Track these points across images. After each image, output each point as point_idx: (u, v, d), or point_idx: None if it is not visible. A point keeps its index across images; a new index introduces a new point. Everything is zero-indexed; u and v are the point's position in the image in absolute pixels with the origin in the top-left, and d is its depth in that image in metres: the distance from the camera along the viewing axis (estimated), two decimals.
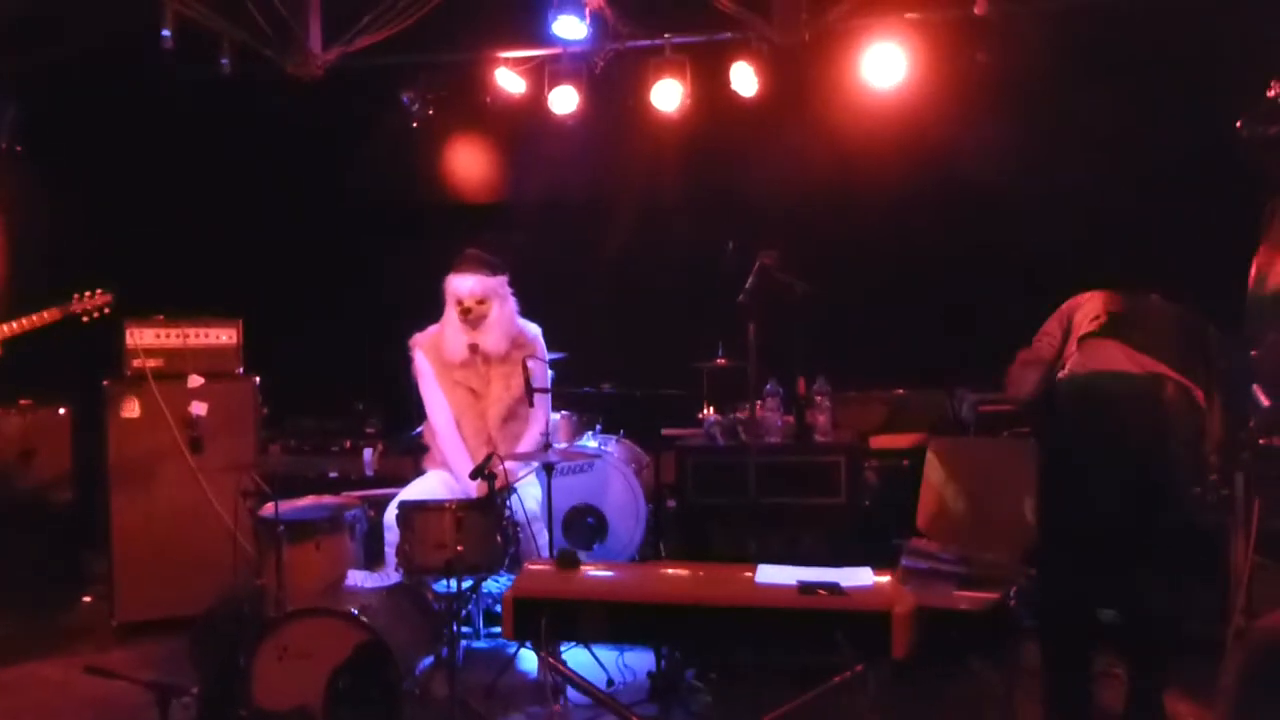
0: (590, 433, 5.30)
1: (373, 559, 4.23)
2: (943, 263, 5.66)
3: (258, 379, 5.15)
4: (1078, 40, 5.32)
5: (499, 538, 3.68)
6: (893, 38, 5.28)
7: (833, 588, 2.73)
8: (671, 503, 4.75)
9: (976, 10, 5.07)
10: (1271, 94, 3.20)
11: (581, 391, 4.81)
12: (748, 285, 3.97)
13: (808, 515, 4.21)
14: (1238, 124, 3.27)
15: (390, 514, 3.99)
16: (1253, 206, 3.99)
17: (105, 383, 4.90)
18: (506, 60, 5.95)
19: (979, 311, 5.40)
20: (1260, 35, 4.62)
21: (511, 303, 4.52)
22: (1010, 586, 3.59)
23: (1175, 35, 5.03)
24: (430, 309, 4.60)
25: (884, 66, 5.32)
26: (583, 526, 4.96)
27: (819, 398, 4.44)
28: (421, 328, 4.57)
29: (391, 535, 3.89)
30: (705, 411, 5.12)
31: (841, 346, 5.34)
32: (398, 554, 3.68)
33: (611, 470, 4.92)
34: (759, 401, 4.47)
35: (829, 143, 5.83)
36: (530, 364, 4.22)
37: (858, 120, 5.64)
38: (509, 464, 4.06)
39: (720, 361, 5.03)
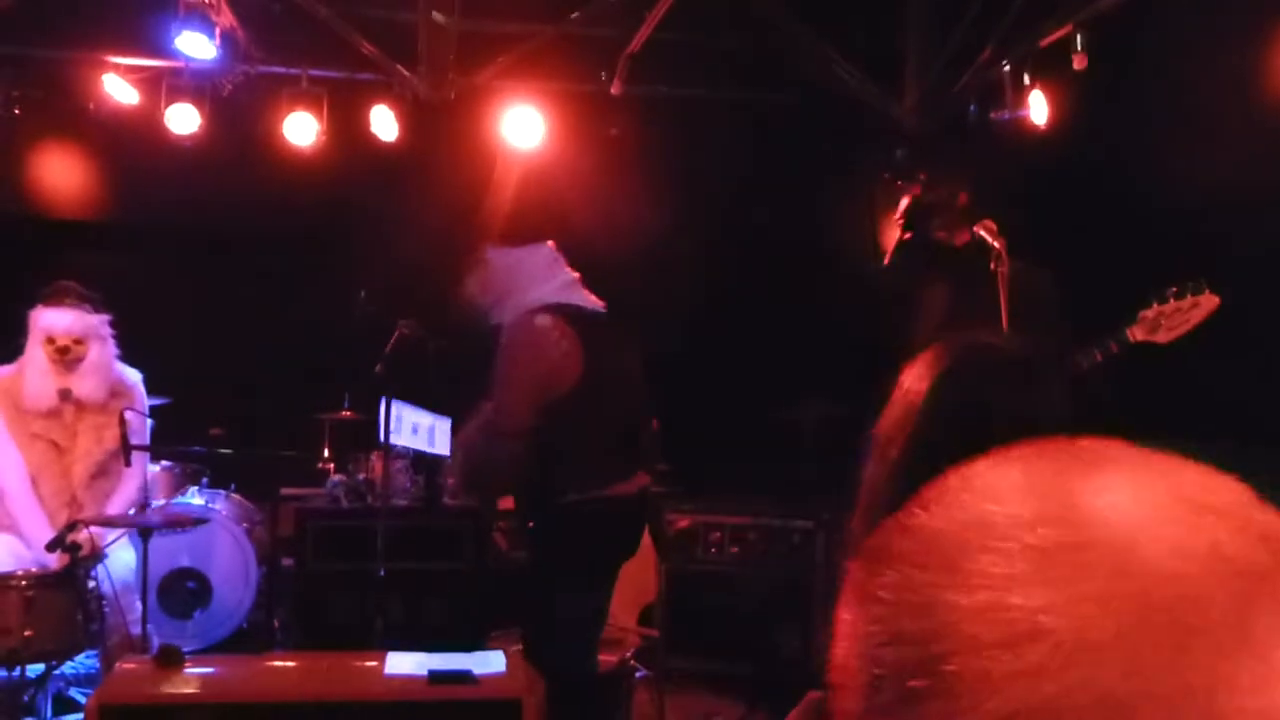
0: (195, 487, 4.83)
1: None
2: None
3: None
4: (701, 124, 5.82)
5: (79, 616, 3.23)
6: (533, 102, 5.44)
7: (464, 676, 2.69)
8: (288, 561, 4.46)
9: (612, 90, 5.37)
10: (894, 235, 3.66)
11: (189, 450, 4.37)
12: (385, 354, 3.83)
13: (435, 581, 4.13)
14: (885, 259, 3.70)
15: None
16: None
17: None
18: (117, 66, 5.35)
19: None
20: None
21: (112, 345, 4.01)
22: (630, 649, 3.76)
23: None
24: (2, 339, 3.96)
25: (524, 129, 5.46)
26: (182, 592, 4.50)
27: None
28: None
29: None
30: (327, 463, 4.89)
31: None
32: None
33: (218, 529, 4.52)
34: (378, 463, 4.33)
35: (465, 195, 5.84)
36: (129, 416, 3.77)
37: (497, 177, 5.72)
38: (97, 529, 3.58)
39: (346, 413, 4.83)
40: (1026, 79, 4.97)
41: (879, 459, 1.08)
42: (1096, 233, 4.50)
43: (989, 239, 3.17)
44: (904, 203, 3.64)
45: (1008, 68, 5.01)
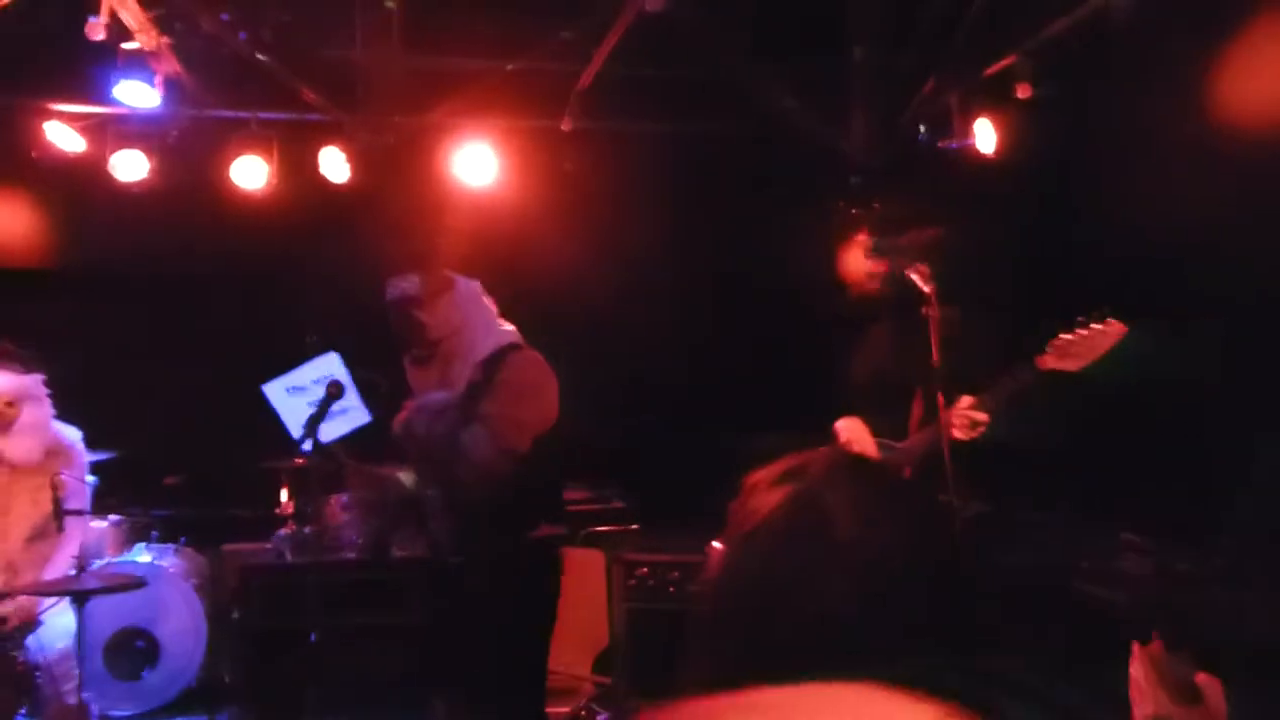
0: (144, 543, 4.75)
1: None
2: None
3: None
4: (653, 157, 5.80)
5: (6, 691, 3.15)
6: (486, 139, 5.40)
7: None
8: (237, 614, 4.38)
9: (563, 126, 5.34)
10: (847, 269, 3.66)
11: (129, 510, 4.29)
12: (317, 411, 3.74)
13: (383, 636, 4.06)
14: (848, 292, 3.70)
15: None
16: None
17: None
18: (60, 114, 5.29)
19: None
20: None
21: (47, 405, 3.92)
22: (584, 698, 3.70)
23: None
24: None
25: (476, 166, 5.42)
26: (131, 652, 4.42)
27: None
28: None
29: None
30: (284, 509, 4.80)
31: None
32: None
33: (167, 586, 4.44)
34: (335, 511, 4.27)
35: (417, 235, 5.79)
36: (61, 479, 3.69)
37: (451, 216, 5.68)
38: (29, 598, 3.50)
39: (299, 461, 4.76)
40: (972, 108, 4.97)
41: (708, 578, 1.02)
42: (1045, 262, 4.49)
43: (920, 283, 3.16)
44: (869, 237, 3.61)
45: (954, 97, 5.01)
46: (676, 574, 4.76)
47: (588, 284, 5.81)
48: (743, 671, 0.88)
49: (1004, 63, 4.75)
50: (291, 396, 4.21)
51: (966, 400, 3.20)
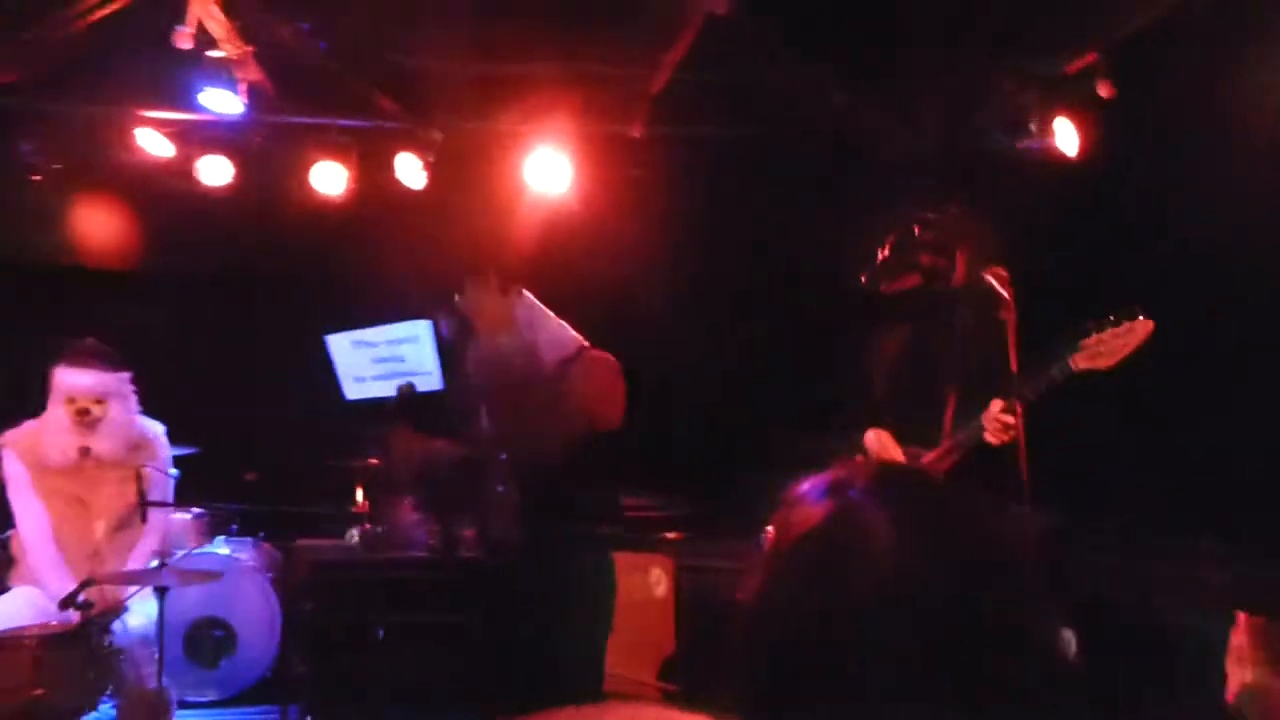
0: (223, 536, 4.89)
1: None
2: None
3: None
4: (723, 162, 5.79)
5: (91, 673, 3.27)
6: (558, 145, 5.45)
7: None
8: (308, 608, 4.48)
9: (634, 132, 5.36)
10: (882, 255, 3.60)
11: (209, 504, 4.43)
12: (387, 413, 3.82)
13: (446, 634, 4.11)
14: (862, 278, 3.64)
15: None
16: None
17: None
18: (151, 120, 5.49)
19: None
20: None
21: (132, 401, 4.06)
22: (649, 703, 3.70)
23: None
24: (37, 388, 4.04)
25: (548, 172, 5.47)
26: (209, 641, 4.54)
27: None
28: (20, 412, 4.00)
29: None
30: (360, 504, 4.91)
31: None
32: None
33: (244, 579, 4.56)
34: (404, 511, 4.35)
35: (493, 241, 5.87)
36: (146, 472, 3.82)
37: (523, 221, 5.74)
38: (114, 585, 3.63)
39: (373, 461, 4.86)
40: (1051, 107, 4.85)
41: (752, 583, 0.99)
42: (1125, 268, 4.36)
43: (998, 287, 3.09)
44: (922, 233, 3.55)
45: (1032, 96, 4.89)
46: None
47: (658, 290, 5.82)
48: (769, 692, 0.87)
49: (1084, 60, 4.63)
50: (356, 350, 4.27)
51: (997, 404, 3.13)
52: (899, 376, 3.48)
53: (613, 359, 3.25)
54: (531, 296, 3.39)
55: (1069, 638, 3.68)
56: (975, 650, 0.88)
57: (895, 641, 0.87)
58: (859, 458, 3.36)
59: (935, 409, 3.37)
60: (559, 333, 3.38)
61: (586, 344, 3.33)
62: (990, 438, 3.13)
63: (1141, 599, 3.61)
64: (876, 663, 0.87)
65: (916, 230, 3.48)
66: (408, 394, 3.49)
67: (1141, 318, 2.97)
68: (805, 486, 1.02)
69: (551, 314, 3.39)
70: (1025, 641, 0.92)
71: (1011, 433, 3.06)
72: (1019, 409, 3.04)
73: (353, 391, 5.15)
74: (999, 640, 0.90)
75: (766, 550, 0.99)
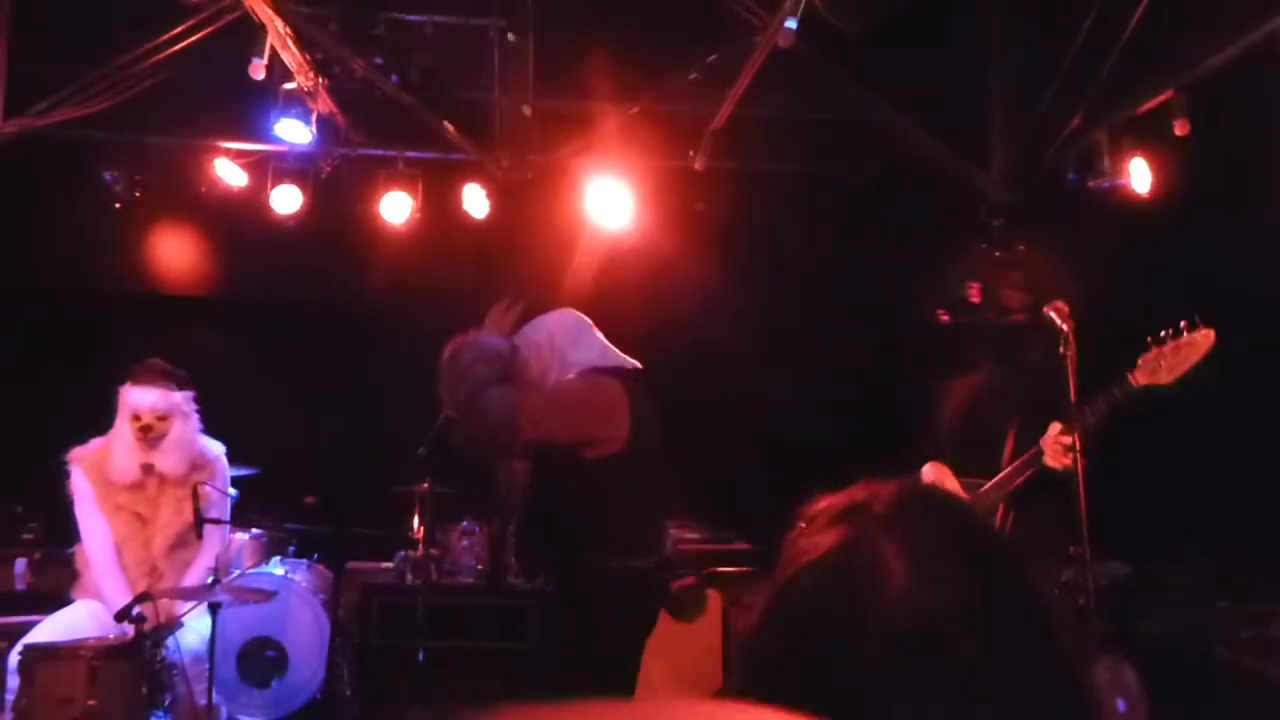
0: (279, 556, 4.95)
1: None
2: None
3: None
4: (786, 197, 5.78)
5: (144, 687, 3.31)
6: (618, 178, 5.49)
7: None
8: (356, 630, 4.51)
9: (696, 165, 5.38)
10: (972, 297, 3.54)
11: (261, 525, 4.49)
12: (429, 438, 3.83)
13: (492, 661, 4.10)
14: (940, 313, 3.59)
15: (13, 657, 3.50)
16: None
17: None
18: (227, 151, 5.67)
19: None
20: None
21: (194, 420, 4.16)
22: None
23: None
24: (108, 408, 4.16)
25: (610, 204, 5.51)
26: (261, 660, 4.59)
27: (512, 537, 4.38)
28: (97, 429, 4.12)
29: (14, 682, 3.41)
30: (416, 530, 4.94)
31: None
32: (14, 709, 3.22)
33: (297, 600, 4.61)
34: (457, 537, 4.36)
35: (552, 272, 5.92)
36: (204, 490, 3.89)
37: (582, 251, 5.79)
38: (170, 600, 3.69)
39: (424, 486, 4.89)
40: (1124, 146, 4.75)
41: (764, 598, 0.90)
42: (1196, 304, 4.22)
43: (1058, 321, 3.02)
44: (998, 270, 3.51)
45: (1104, 134, 4.80)
46: None
47: (717, 323, 5.81)
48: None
49: (1159, 99, 4.53)
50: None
51: (1056, 426, 3.04)
52: (966, 411, 3.41)
53: (618, 386, 3.10)
54: (578, 314, 3.34)
55: (1131, 677, 3.54)
56: (1012, 701, 0.79)
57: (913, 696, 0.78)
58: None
59: (996, 443, 3.30)
60: (603, 349, 3.28)
61: (614, 368, 3.21)
62: (1050, 460, 3.05)
63: (1209, 643, 3.45)
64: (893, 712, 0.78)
65: (998, 268, 3.43)
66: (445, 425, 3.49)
67: (1203, 329, 2.90)
68: (820, 505, 0.93)
69: (599, 335, 3.32)
70: (1073, 691, 0.83)
71: (1071, 455, 2.95)
72: (1078, 431, 2.94)
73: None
74: (1040, 692, 0.81)
75: (773, 575, 0.90)
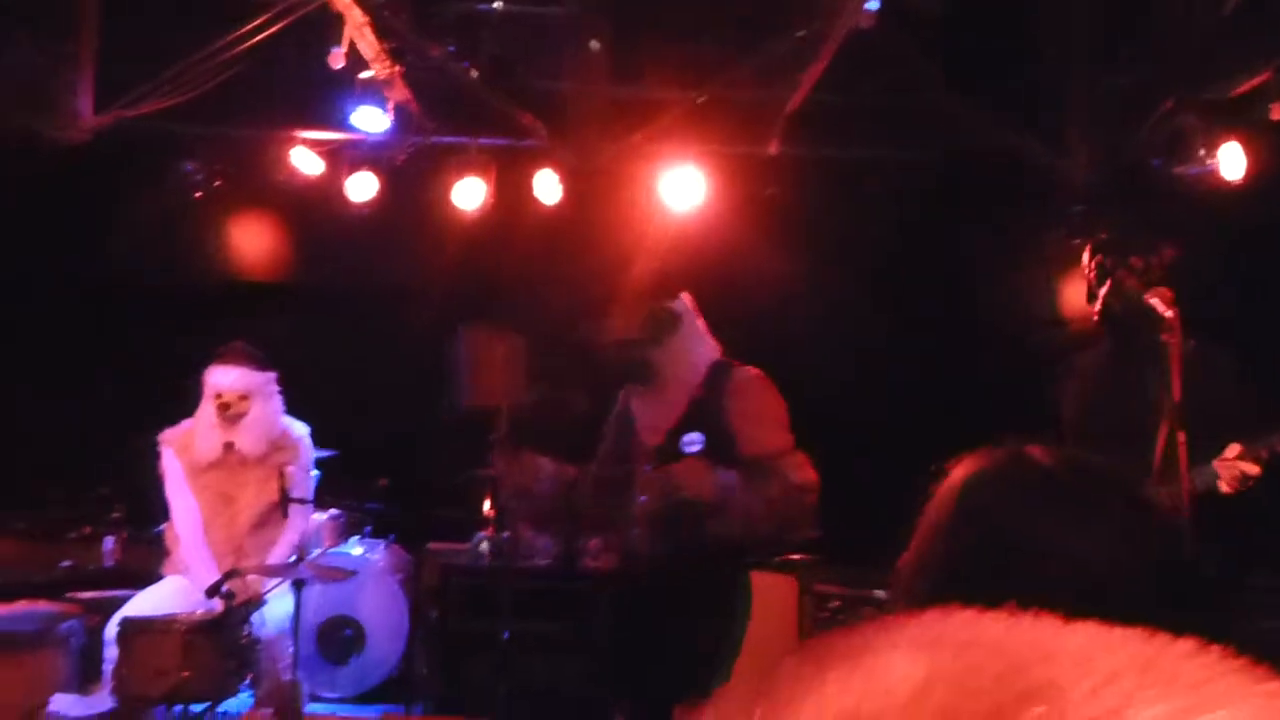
0: (357, 537, 5.05)
1: (93, 675, 3.83)
2: None
3: None
4: (857, 183, 5.71)
5: (231, 661, 3.40)
6: (693, 163, 5.47)
7: None
8: (435, 612, 4.57)
9: (770, 150, 5.34)
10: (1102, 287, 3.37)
11: (347, 504, 4.57)
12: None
13: (568, 643, 4.12)
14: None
15: (111, 629, 3.62)
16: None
17: None
18: (304, 140, 5.77)
19: None
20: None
21: (276, 401, 4.25)
22: None
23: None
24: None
25: (682, 190, 5.49)
26: (339, 639, 4.69)
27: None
28: (183, 412, 4.24)
29: (112, 653, 3.53)
30: (489, 515, 4.99)
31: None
32: (114, 677, 3.33)
33: (374, 580, 4.69)
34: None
35: (624, 257, 5.91)
36: (289, 470, 3.97)
37: (654, 238, 5.78)
38: (258, 576, 3.79)
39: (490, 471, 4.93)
40: (1215, 130, 4.61)
41: (912, 549, 1.00)
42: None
43: (1161, 308, 2.87)
44: (1094, 257, 3.30)
45: (1192, 118, 4.66)
46: (869, 608, 4.60)
47: (791, 310, 5.76)
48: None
49: (1255, 81, 4.38)
50: None
51: (1234, 449, 2.80)
52: (1093, 406, 3.23)
53: (759, 372, 3.17)
54: (687, 303, 3.32)
55: None
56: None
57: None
58: None
59: (1140, 442, 2.98)
60: (705, 337, 3.31)
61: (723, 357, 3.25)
62: (1225, 486, 2.80)
63: None
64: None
65: (1130, 259, 3.21)
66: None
67: None
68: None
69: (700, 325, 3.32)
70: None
71: (1251, 483, 2.75)
72: (1265, 457, 2.74)
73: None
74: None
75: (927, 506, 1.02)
